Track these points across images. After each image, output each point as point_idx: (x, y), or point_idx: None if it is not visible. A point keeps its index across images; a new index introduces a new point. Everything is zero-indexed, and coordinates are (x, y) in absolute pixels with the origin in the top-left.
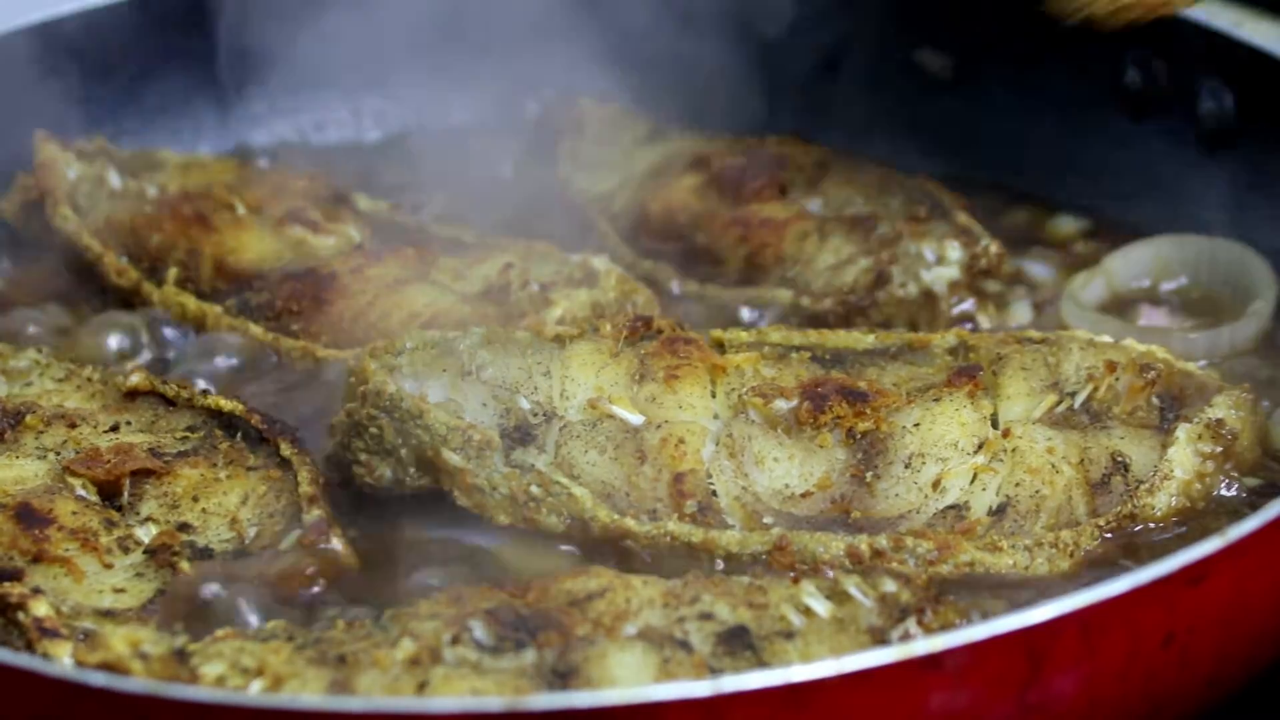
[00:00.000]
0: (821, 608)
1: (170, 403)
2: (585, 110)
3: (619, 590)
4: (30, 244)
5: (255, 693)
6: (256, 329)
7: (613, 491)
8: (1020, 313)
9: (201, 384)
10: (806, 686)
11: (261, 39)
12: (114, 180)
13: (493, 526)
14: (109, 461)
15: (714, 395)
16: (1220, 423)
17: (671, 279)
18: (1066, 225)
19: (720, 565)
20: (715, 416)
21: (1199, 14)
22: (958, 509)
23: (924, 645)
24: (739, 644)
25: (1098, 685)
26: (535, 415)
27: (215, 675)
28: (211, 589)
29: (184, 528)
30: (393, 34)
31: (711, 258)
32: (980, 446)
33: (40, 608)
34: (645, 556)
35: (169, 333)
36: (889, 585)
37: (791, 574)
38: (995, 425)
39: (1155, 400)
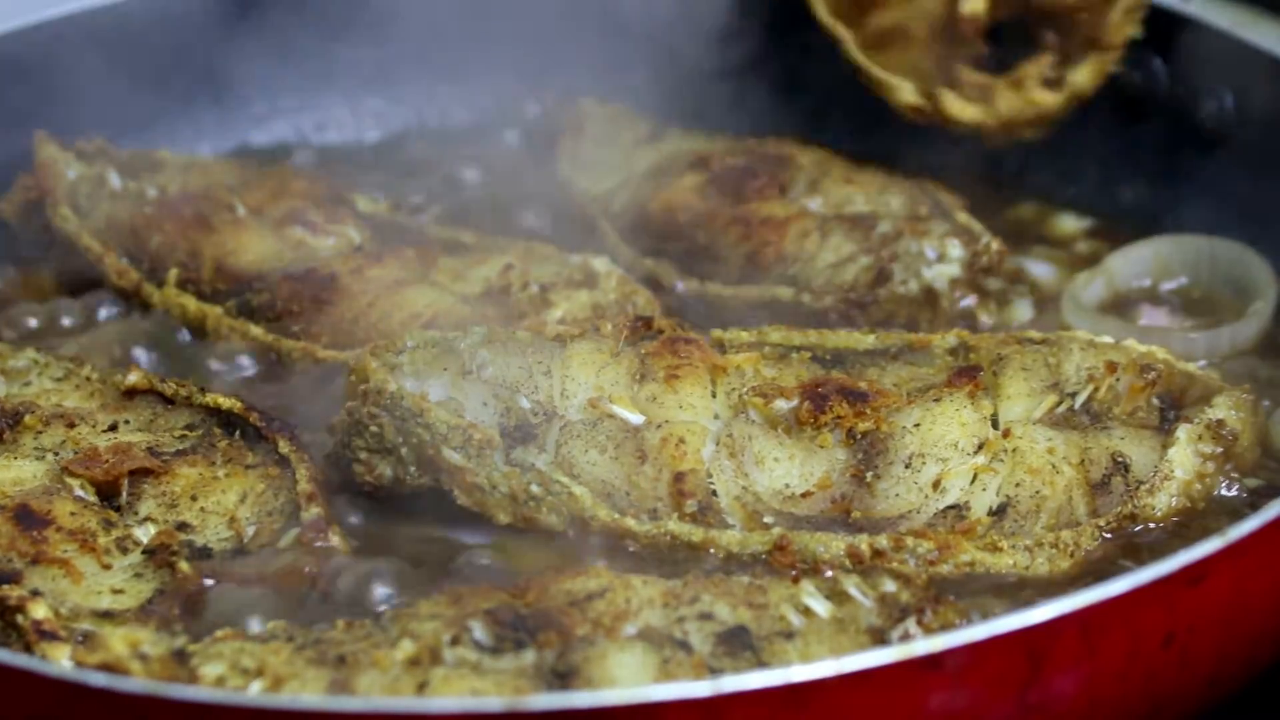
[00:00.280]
0: (821, 608)
1: (169, 401)
2: (585, 110)
3: (619, 590)
4: (30, 244)
5: (255, 693)
6: (257, 330)
7: (613, 491)
8: (1021, 311)
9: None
10: (806, 686)
11: (262, 39)
12: (114, 181)
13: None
14: (107, 461)
15: (714, 395)
16: (1220, 423)
17: (673, 277)
18: (1068, 224)
19: (717, 561)
20: (716, 416)
21: (1199, 14)
22: (958, 509)
23: (924, 645)
24: (739, 644)
25: (1098, 685)
26: (536, 414)
27: (215, 676)
28: (210, 589)
29: (182, 527)
30: (393, 34)
31: (712, 256)
32: (980, 447)
33: (39, 610)
34: (644, 555)
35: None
36: (889, 585)
37: (792, 573)
38: (995, 425)
39: (1156, 401)
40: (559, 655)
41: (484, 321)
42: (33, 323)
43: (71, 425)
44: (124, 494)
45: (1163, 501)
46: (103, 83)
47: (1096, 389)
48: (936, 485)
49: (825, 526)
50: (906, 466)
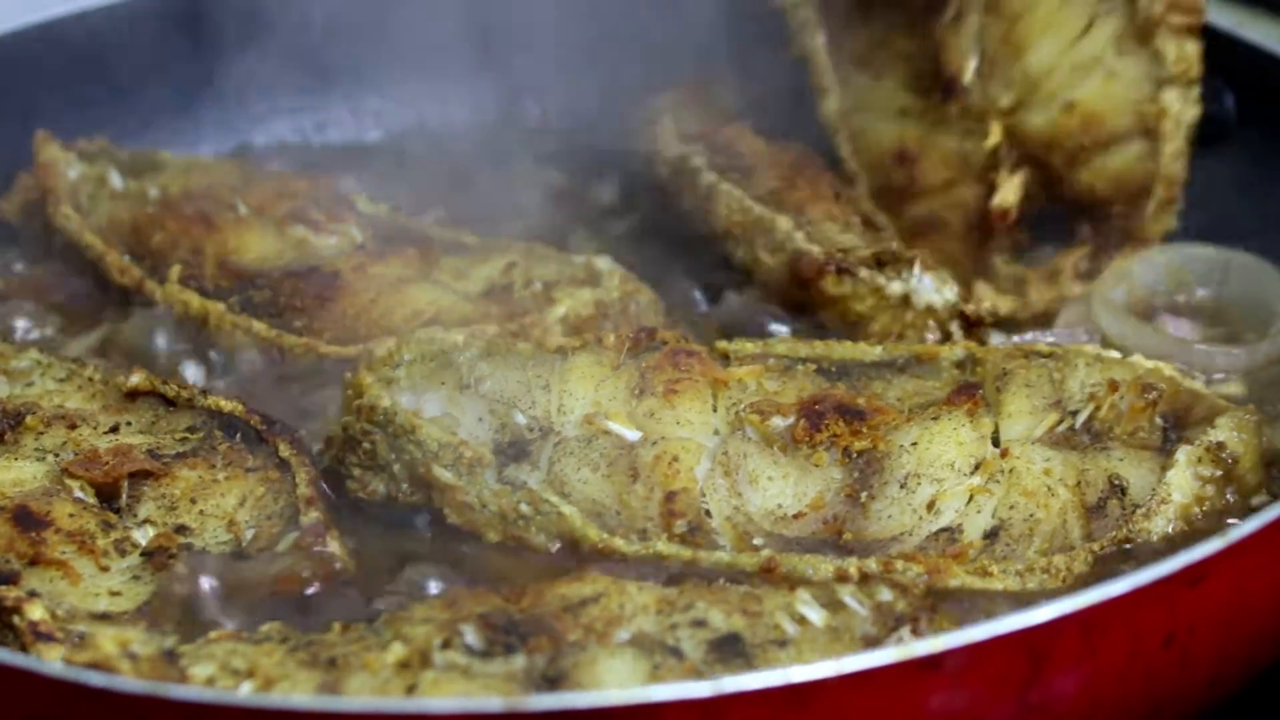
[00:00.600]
0: (816, 616)
1: (171, 403)
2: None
3: (613, 596)
4: (31, 244)
5: (245, 693)
6: (259, 326)
7: (603, 510)
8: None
9: None
10: (806, 687)
11: (262, 39)
12: (115, 181)
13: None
14: (107, 463)
15: (715, 409)
16: (1221, 445)
17: (699, 156)
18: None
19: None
20: (715, 432)
21: None
22: (950, 531)
23: (924, 646)
24: (731, 651)
25: (1098, 685)
26: (531, 430)
27: (205, 676)
28: (206, 592)
29: (181, 530)
30: (393, 34)
31: (744, 171)
32: (977, 467)
33: (35, 611)
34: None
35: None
36: (884, 594)
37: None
38: (996, 443)
39: (1159, 420)
40: (550, 660)
41: (486, 319)
42: (33, 322)
43: (73, 426)
44: (124, 496)
45: (1159, 526)
46: (103, 83)
47: (1098, 408)
48: (931, 506)
49: (815, 549)
50: (901, 487)
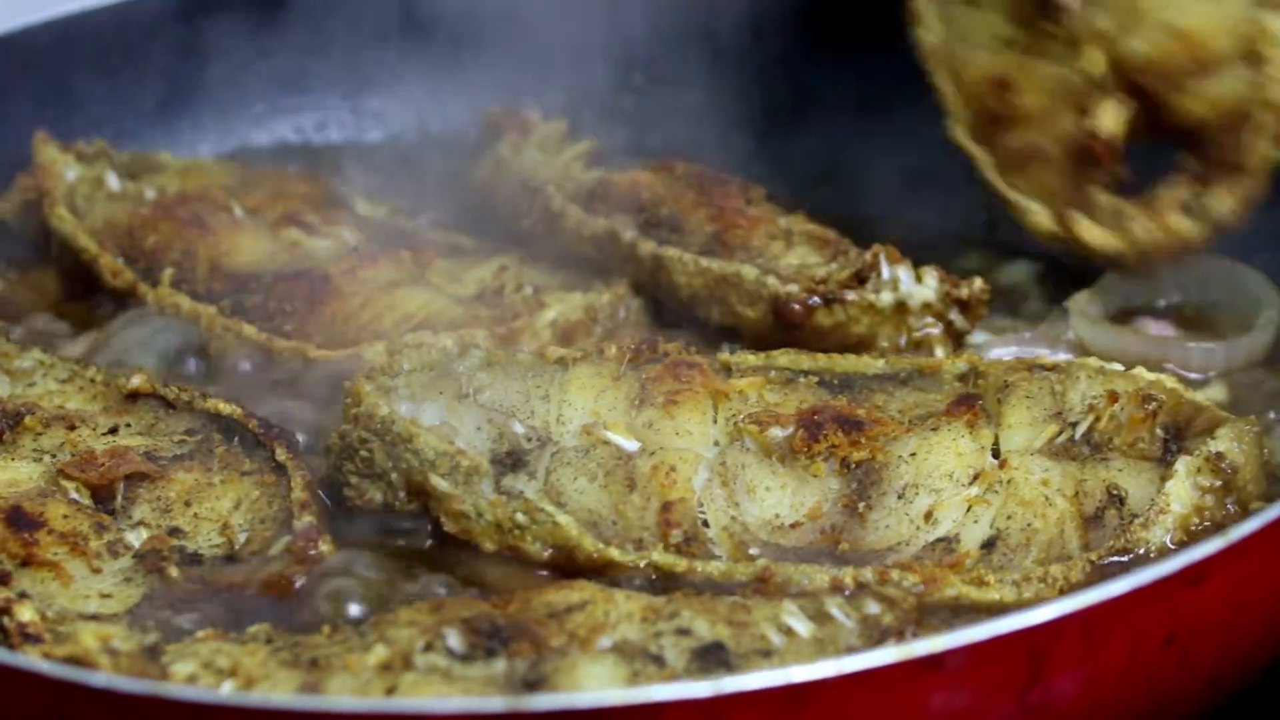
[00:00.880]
0: (803, 627)
1: (170, 405)
2: (529, 120)
3: (599, 603)
4: (29, 245)
5: (227, 691)
6: (250, 329)
7: (599, 520)
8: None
9: None
10: (806, 687)
11: (262, 39)
12: (113, 182)
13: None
14: (103, 465)
15: (715, 421)
16: (1220, 456)
17: (629, 231)
18: (1018, 271)
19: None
20: (715, 443)
21: None
22: (947, 541)
23: (925, 646)
24: (714, 660)
25: (1099, 686)
26: (529, 440)
27: (186, 673)
28: (196, 594)
29: (174, 532)
30: (394, 34)
31: (675, 227)
32: (975, 477)
33: (24, 613)
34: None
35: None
36: (872, 607)
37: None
38: (996, 455)
39: (1160, 432)
40: (531, 665)
41: (477, 323)
42: (32, 322)
43: (72, 427)
44: (119, 498)
45: (1157, 536)
46: (103, 83)
47: (1097, 419)
48: (928, 517)
49: (811, 558)
50: (899, 497)
